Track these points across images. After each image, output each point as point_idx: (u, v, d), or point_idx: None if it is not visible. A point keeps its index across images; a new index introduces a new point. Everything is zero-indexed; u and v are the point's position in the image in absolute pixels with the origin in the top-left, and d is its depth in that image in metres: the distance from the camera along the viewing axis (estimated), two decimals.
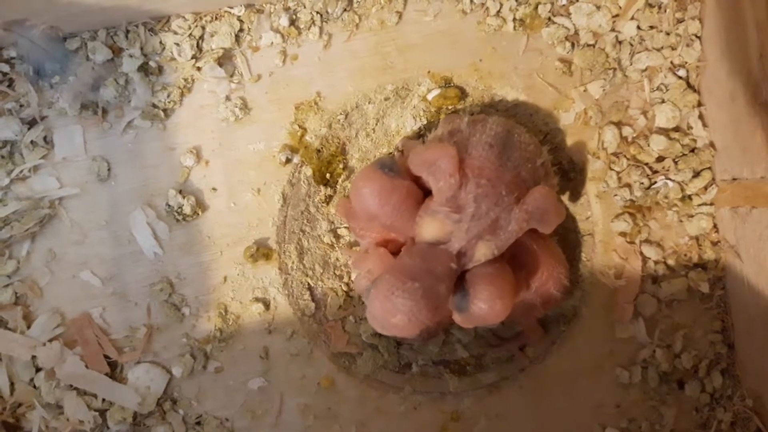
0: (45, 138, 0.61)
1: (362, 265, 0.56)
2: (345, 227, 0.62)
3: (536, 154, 0.55)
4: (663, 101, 0.62)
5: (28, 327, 0.60)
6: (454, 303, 0.50)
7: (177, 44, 0.61)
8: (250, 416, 0.61)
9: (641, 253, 0.62)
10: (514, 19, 0.62)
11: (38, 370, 0.60)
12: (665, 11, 0.62)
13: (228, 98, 0.62)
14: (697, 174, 0.62)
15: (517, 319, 0.59)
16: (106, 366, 0.60)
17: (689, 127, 0.63)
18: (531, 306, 0.56)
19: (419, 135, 0.62)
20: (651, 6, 0.62)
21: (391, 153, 0.62)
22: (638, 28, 0.63)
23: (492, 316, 0.49)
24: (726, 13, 0.58)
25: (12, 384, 0.59)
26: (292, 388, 0.61)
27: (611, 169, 0.62)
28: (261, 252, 0.61)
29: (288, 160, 0.62)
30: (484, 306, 0.49)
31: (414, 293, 0.47)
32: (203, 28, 0.62)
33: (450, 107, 0.62)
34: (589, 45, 0.63)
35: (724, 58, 0.59)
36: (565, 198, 0.63)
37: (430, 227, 0.51)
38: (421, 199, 0.52)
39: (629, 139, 0.62)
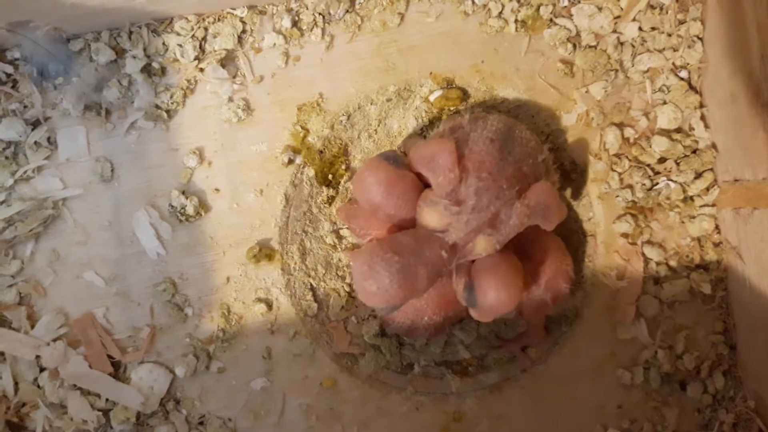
0: (48, 139, 0.61)
1: None
2: (347, 228, 0.62)
3: (537, 150, 0.55)
4: (665, 102, 0.62)
5: (32, 327, 0.60)
6: (464, 299, 0.51)
7: (180, 45, 0.61)
8: (252, 416, 0.61)
9: (643, 254, 0.62)
10: (516, 21, 0.62)
11: (42, 369, 0.60)
12: (667, 12, 0.62)
13: (230, 99, 0.62)
14: (698, 175, 0.62)
15: (528, 317, 0.59)
16: (109, 366, 0.60)
17: (691, 129, 0.63)
18: (542, 303, 0.56)
19: (421, 136, 0.62)
20: (653, 7, 0.62)
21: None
22: (640, 29, 0.63)
23: (501, 306, 0.50)
24: (727, 15, 0.58)
25: (16, 384, 0.59)
26: (294, 389, 0.61)
27: (613, 171, 0.62)
28: (264, 253, 0.61)
29: (290, 161, 0.62)
30: (490, 296, 0.49)
31: (391, 265, 0.48)
32: (206, 29, 0.62)
33: (452, 108, 0.62)
34: (590, 46, 0.63)
35: (725, 60, 0.59)
36: (565, 198, 0.63)
37: (429, 217, 0.51)
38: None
39: (631, 141, 0.62)
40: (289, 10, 0.62)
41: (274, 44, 0.62)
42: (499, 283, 0.49)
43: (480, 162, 0.51)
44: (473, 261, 0.52)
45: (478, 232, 0.50)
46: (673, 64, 0.62)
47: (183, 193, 0.61)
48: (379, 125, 0.63)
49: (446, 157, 0.51)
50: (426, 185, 0.53)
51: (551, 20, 0.63)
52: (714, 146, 0.62)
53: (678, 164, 0.62)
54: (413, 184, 0.53)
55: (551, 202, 0.52)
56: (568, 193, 0.63)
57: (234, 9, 0.62)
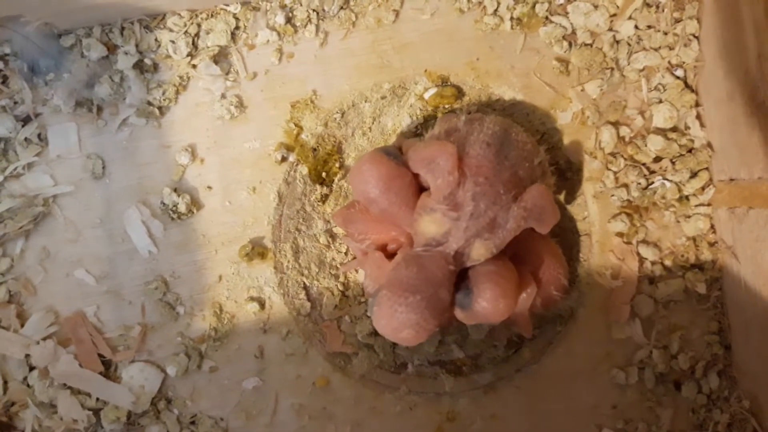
0: (39, 135, 0.61)
1: (362, 269, 0.56)
2: (345, 233, 0.61)
3: (533, 153, 0.54)
4: (660, 101, 0.62)
5: (22, 325, 0.59)
6: (456, 300, 0.50)
7: (172, 41, 0.61)
8: (244, 416, 0.61)
9: (638, 254, 0.62)
10: (512, 18, 0.62)
11: (32, 368, 0.59)
12: (663, 11, 0.62)
13: (223, 96, 0.62)
14: (694, 174, 0.62)
15: (513, 317, 0.58)
16: (100, 365, 0.60)
17: (687, 128, 0.62)
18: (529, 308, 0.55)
19: (416, 134, 0.62)
20: (649, 6, 0.62)
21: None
22: (636, 27, 0.62)
23: (494, 315, 0.49)
24: (724, 13, 0.58)
25: (5, 383, 0.59)
26: (287, 388, 0.61)
27: (608, 169, 0.62)
28: (256, 251, 0.61)
29: (284, 159, 0.62)
30: (487, 305, 0.49)
31: (417, 306, 0.47)
32: (199, 25, 0.61)
33: (447, 106, 0.62)
34: (586, 44, 0.62)
35: (721, 58, 0.59)
36: (561, 198, 0.63)
37: (428, 226, 0.50)
38: (420, 192, 0.52)
39: (626, 139, 0.62)
40: (282, 7, 0.62)
41: (268, 41, 0.62)
42: (498, 293, 0.49)
43: (477, 166, 0.51)
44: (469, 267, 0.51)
45: (477, 238, 0.50)
46: (669, 62, 0.62)
47: (175, 190, 0.61)
48: (373, 123, 0.62)
49: (447, 160, 0.50)
50: (421, 189, 0.53)
51: (547, 18, 0.62)
52: (710, 145, 0.62)
53: (673, 163, 0.62)
54: (411, 183, 0.52)
55: (546, 204, 0.52)
56: (563, 192, 0.63)
57: (227, 5, 0.61)
